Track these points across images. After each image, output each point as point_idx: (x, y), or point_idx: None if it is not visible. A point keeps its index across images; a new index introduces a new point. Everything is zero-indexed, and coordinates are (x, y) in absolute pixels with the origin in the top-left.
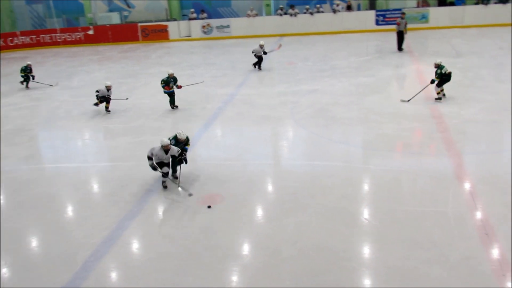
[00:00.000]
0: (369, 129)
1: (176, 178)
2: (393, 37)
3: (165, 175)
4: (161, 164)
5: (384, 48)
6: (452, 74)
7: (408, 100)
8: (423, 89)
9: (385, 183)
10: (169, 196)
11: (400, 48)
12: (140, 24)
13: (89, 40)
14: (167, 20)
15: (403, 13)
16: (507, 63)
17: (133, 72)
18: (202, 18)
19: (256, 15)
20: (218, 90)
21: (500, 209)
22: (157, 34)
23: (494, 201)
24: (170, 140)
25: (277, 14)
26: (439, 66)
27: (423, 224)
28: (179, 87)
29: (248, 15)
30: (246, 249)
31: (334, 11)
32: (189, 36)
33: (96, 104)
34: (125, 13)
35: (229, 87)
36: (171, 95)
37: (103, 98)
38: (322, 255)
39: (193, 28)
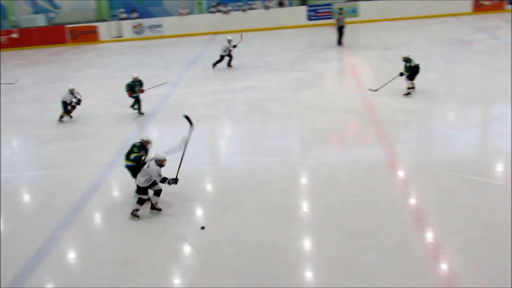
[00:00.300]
0: (304, 123)
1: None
2: (325, 31)
3: (141, 201)
4: (153, 184)
5: (316, 43)
6: (420, 66)
7: (376, 90)
8: (391, 80)
9: (321, 175)
10: (103, 203)
11: (340, 42)
12: (68, 25)
13: (13, 44)
14: (97, 21)
15: (341, 9)
16: (433, 54)
17: (62, 76)
18: (133, 18)
19: (189, 13)
20: (152, 90)
21: (431, 195)
22: (87, 35)
23: (425, 187)
24: (140, 149)
25: (210, 12)
26: (407, 60)
27: (359, 214)
28: (142, 91)
29: (180, 14)
30: (185, 250)
31: (267, 8)
32: (120, 36)
33: (67, 115)
34: (51, 14)
35: (164, 87)
36: (138, 100)
37: (70, 104)
38: (262, 251)
39: (124, 29)
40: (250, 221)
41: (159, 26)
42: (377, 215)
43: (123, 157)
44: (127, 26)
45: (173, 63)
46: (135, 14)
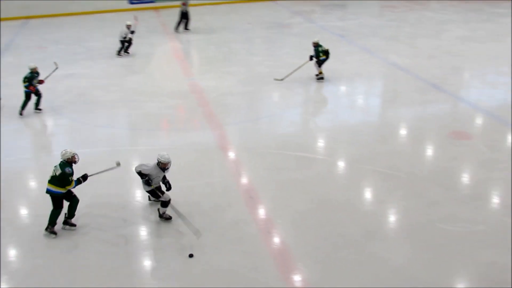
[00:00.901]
0: (132, 110)
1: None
2: (148, 15)
3: (165, 204)
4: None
5: (140, 28)
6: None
7: (282, 79)
8: (300, 67)
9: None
10: None
11: (186, 28)
12: None
13: None
14: None
15: None
16: (256, 37)
17: None
18: None
19: None
20: None
21: (260, 173)
22: None
23: (255, 166)
24: (71, 174)
25: None
26: (317, 45)
27: (194, 197)
28: (41, 82)
29: None
30: (15, 254)
31: None
32: None
33: None
34: None
35: None
36: (38, 94)
37: None
38: (101, 246)
39: None
40: (82, 215)
41: None
42: (211, 197)
43: None
44: None
45: None
46: None
